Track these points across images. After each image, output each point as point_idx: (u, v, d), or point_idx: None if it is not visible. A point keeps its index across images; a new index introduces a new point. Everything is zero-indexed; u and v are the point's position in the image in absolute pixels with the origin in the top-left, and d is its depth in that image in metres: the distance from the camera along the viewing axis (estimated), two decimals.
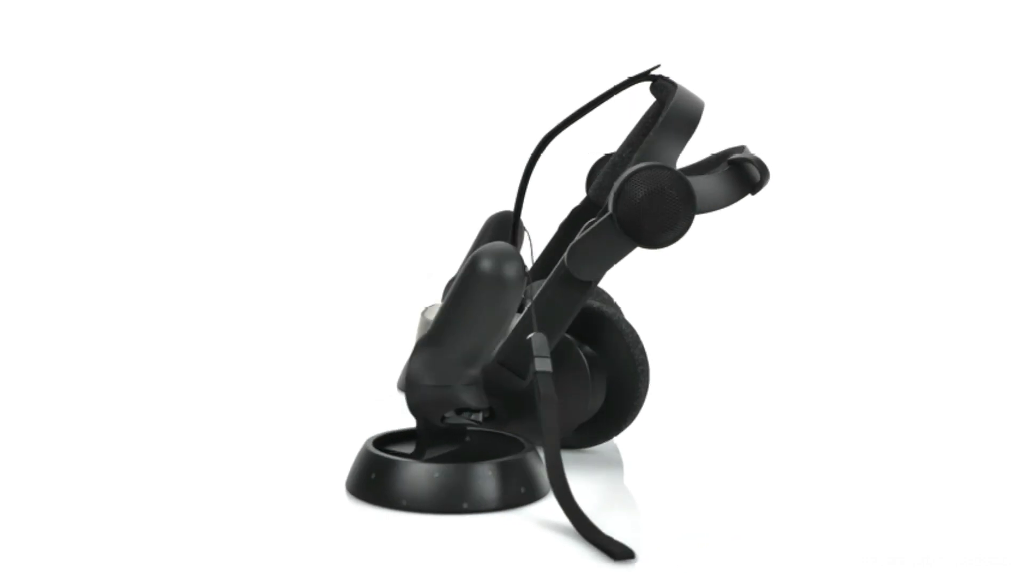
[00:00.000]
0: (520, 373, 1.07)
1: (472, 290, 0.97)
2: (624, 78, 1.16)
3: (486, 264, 0.97)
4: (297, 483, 1.07)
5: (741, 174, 1.08)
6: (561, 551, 0.92)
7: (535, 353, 0.98)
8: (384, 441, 1.06)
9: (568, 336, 1.11)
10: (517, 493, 0.98)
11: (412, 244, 1.85)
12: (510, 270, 0.96)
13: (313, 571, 0.89)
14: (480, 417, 1.05)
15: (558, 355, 1.09)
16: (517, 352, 1.06)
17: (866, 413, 1.31)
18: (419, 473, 0.97)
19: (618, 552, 0.89)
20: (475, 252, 0.99)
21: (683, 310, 1.71)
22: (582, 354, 1.11)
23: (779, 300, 1.80)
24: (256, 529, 0.97)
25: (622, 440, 1.19)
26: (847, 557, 0.91)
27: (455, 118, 2.06)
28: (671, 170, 1.03)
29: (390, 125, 2.06)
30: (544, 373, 0.98)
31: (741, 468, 1.16)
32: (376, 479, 0.99)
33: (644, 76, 1.17)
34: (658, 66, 1.17)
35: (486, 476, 0.97)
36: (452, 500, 0.96)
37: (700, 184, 1.05)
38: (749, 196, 1.09)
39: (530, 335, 1.01)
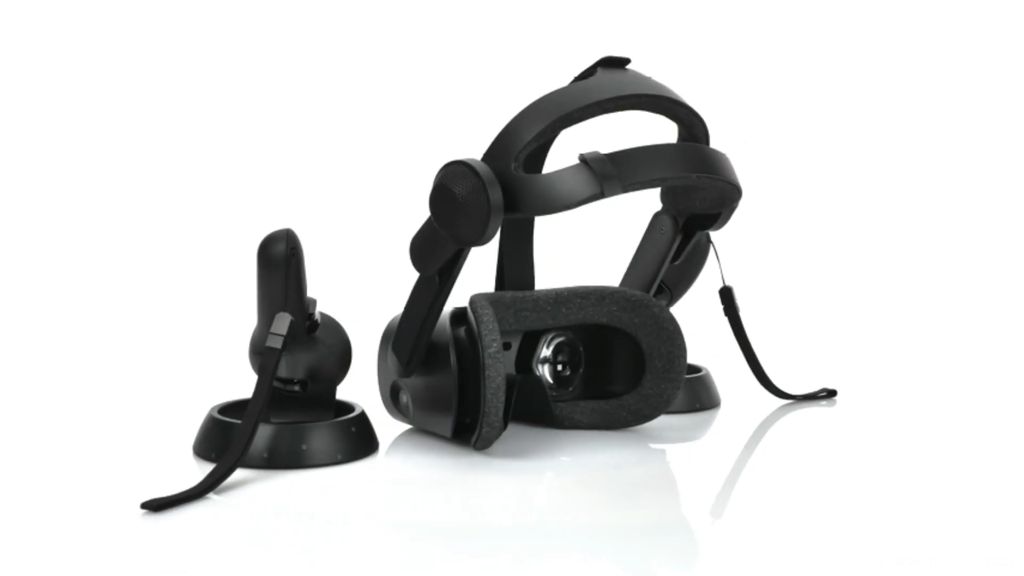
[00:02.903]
0: (401, 361, 1.10)
1: (258, 272, 1.06)
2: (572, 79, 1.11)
3: (263, 248, 1.06)
4: (149, 447, 1.15)
5: (583, 172, 1.01)
6: (394, 501, 1.02)
7: (270, 330, 1.03)
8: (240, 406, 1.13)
9: (462, 340, 1.09)
10: (348, 449, 1.08)
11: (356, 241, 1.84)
12: (276, 251, 1.05)
13: (163, 523, 0.94)
14: (297, 387, 1.09)
15: (436, 356, 1.09)
16: (400, 341, 1.10)
17: (874, 416, 1.30)
18: (292, 434, 1.06)
19: (151, 504, 0.94)
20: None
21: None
22: (452, 359, 1.09)
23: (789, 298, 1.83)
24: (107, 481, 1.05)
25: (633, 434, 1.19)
26: (854, 558, 0.89)
27: (427, 117, 2.05)
28: (463, 165, 1.00)
29: (351, 123, 2.05)
30: (271, 349, 1.02)
31: (745, 468, 1.14)
32: (219, 440, 1.07)
33: (588, 72, 1.10)
34: (613, 59, 1.09)
35: (318, 435, 1.06)
36: (286, 456, 1.05)
37: (536, 183, 1.00)
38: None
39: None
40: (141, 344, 1.62)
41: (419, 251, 1.06)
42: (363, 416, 1.11)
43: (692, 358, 1.35)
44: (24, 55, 1.98)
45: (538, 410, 1.18)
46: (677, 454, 1.16)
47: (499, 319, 1.14)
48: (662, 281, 1.28)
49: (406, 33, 2.06)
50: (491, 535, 0.93)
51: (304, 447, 1.05)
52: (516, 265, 1.19)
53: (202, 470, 1.04)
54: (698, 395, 1.28)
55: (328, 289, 1.20)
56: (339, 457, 1.06)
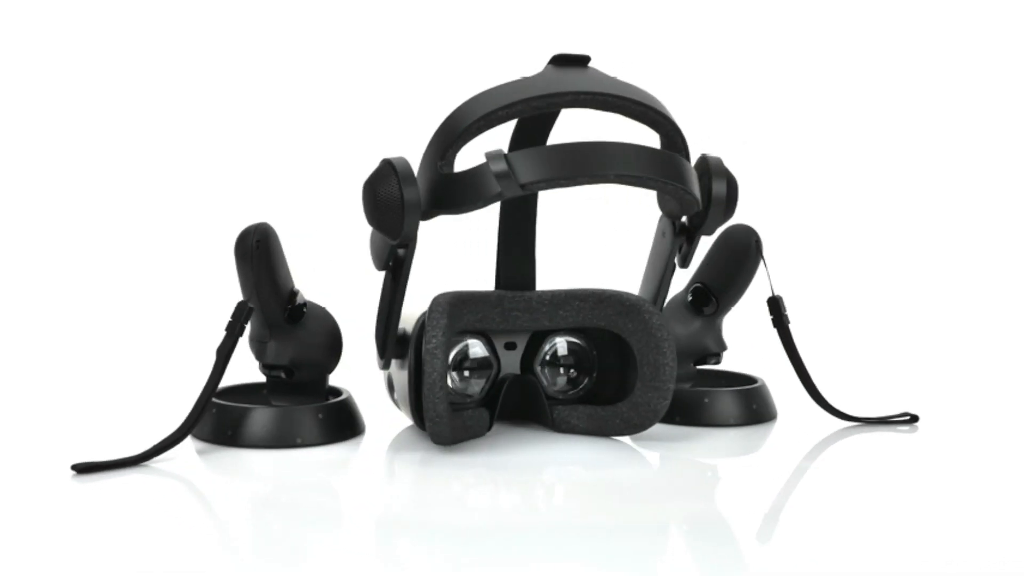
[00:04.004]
0: (378, 352, 1.13)
1: (236, 264, 1.09)
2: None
3: (237, 242, 1.09)
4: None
5: (487, 172, 1.00)
6: (381, 479, 1.06)
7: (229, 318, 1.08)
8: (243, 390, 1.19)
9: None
10: (312, 433, 1.10)
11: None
12: (247, 244, 1.08)
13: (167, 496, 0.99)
14: (283, 374, 1.12)
15: (405, 351, 1.10)
16: (375, 334, 1.11)
17: (957, 450, 1.22)
18: (254, 415, 1.10)
19: (79, 466, 0.99)
20: None
21: None
22: (411, 354, 1.09)
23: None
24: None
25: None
26: (866, 562, 0.86)
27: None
28: (385, 163, 1.02)
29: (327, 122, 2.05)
30: (226, 335, 1.07)
31: (778, 482, 1.09)
32: (213, 421, 1.11)
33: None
34: (565, 57, 1.07)
35: (280, 418, 1.10)
36: (284, 436, 1.09)
37: (451, 182, 1.00)
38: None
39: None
40: (147, 330, 1.67)
41: (370, 248, 1.08)
42: (338, 404, 1.13)
43: (748, 369, 1.30)
44: None
45: (534, 411, 1.16)
46: (709, 464, 1.12)
47: (483, 319, 1.13)
48: (708, 289, 1.23)
49: (415, 34, 2.05)
50: (472, 534, 0.91)
51: (266, 428, 1.09)
52: (513, 264, 1.17)
53: (196, 449, 1.08)
54: (748, 407, 1.23)
55: (329, 286, 1.22)
56: (298, 440, 1.09)
